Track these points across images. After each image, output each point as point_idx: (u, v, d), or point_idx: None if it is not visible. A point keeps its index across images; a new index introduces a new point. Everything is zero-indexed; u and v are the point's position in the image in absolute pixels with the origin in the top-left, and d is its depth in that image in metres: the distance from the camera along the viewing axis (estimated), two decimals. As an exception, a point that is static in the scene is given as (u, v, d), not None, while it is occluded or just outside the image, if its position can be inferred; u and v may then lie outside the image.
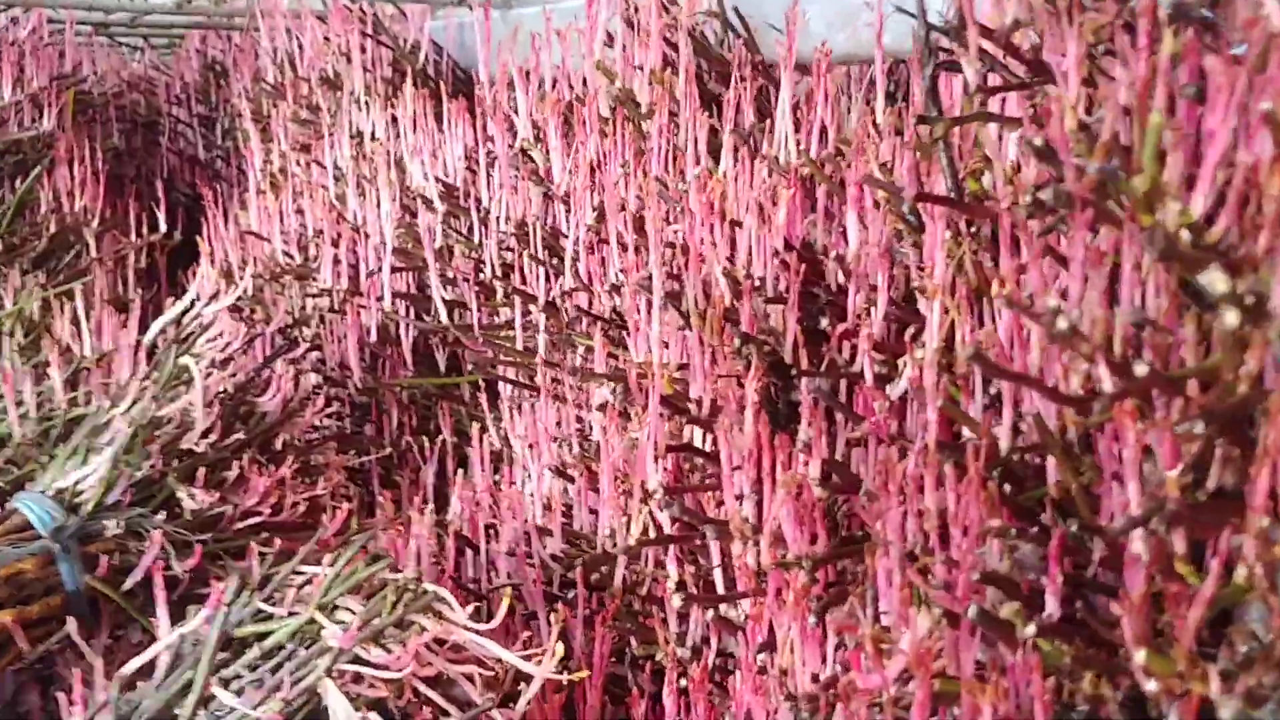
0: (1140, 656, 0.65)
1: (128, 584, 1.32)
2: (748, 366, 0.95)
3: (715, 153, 1.26)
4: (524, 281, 1.46)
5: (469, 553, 1.29)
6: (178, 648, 1.01)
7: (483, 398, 1.61)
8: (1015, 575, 0.73)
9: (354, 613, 1.00)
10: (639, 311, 1.13)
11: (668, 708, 1.02)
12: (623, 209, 1.28)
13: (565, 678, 0.99)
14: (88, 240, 2.09)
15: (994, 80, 0.93)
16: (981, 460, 0.74)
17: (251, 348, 1.68)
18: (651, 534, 1.01)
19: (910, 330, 0.98)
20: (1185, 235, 0.65)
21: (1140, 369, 0.66)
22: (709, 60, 1.47)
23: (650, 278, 1.07)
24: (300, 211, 1.97)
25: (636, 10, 1.48)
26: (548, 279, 1.45)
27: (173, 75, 2.66)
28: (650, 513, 1.00)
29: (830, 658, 0.92)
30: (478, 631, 0.97)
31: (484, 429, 1.63)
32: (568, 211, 1.43)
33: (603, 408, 1.25)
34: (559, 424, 1.34)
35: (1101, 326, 0.68)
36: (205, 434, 1.47)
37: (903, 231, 0.96)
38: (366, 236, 1.78)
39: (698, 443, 1.08)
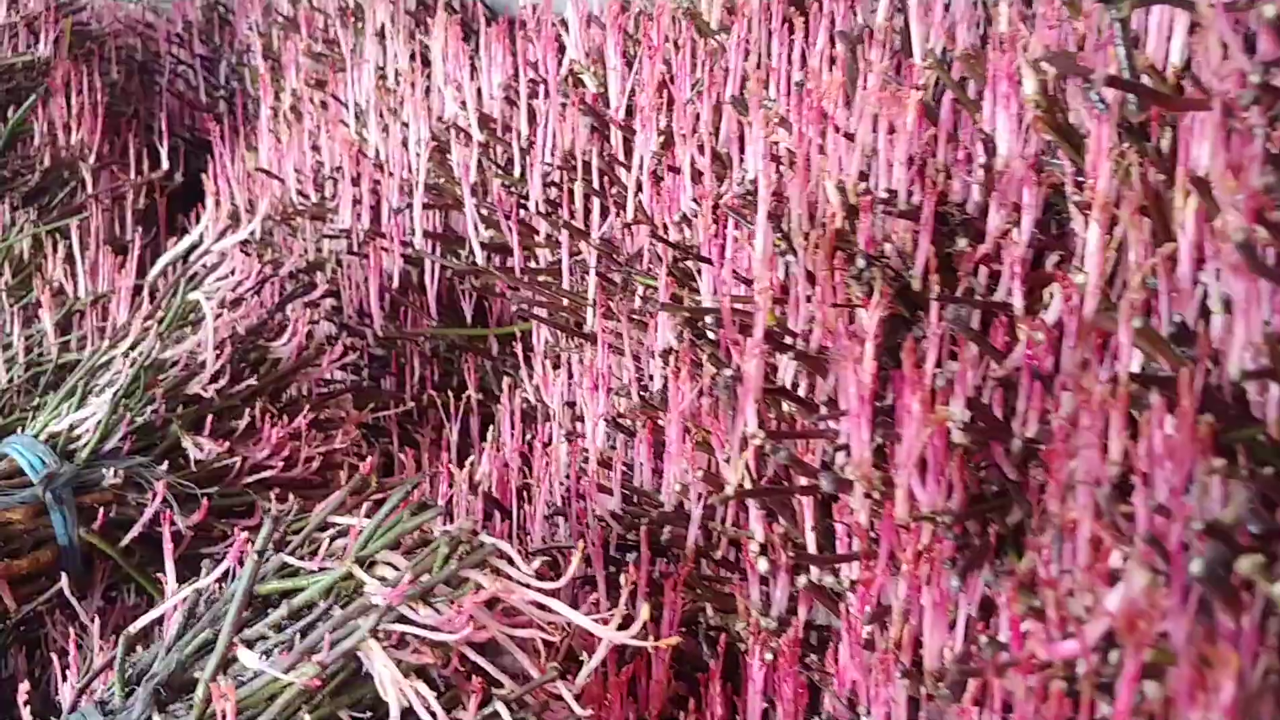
0: None
1: (127, 538, 1.19)
2: (869, 294, 0.82)
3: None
4: (573, 217, 1.32)
5: (497, 516, 1.16)
6: (193, 605, 0.87)
7: (517, 348, 1.47)
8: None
9: (395, 568, 0.86)
10: (722, 238, 1.00)
11: (756, 682, 0.89)
12: (695, 130, 1.13)
13: (651, 644, 0.85)
14: (84, 176, 1.94)
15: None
16: (1197, 391, 0.61)
17: (261, 292, 1.54)
18: (748, 486, 0.87)
19: (1053, 257, 0.85)
20: None
21: None
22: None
23: (750, 192, 0.93)
24: (316, 148, 1.82)
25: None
26: (602, 213, 1.31)
27: (173, 15, 2.51)
28: (746, 464, 0.86)
29: (961, 628, 0.79)
30: (544, 591, 0.83)
31: (515, 384, 1.49)
32: (628, 138, 1.28)
33: (668, 353, 1.11)
34: (612, 373, 1.20)
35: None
36: (214, 379, 1.34)
37: (1051, 141, 0.82)
38: (390, 174, 1.63)
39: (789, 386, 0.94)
